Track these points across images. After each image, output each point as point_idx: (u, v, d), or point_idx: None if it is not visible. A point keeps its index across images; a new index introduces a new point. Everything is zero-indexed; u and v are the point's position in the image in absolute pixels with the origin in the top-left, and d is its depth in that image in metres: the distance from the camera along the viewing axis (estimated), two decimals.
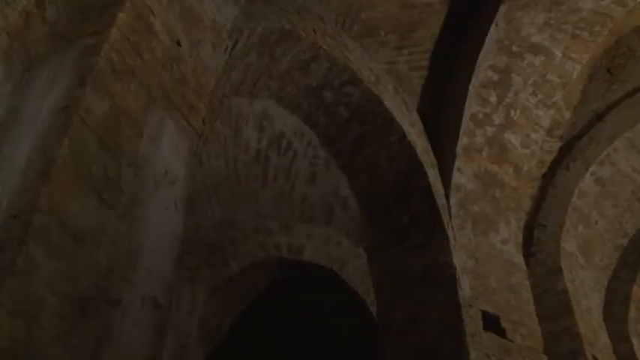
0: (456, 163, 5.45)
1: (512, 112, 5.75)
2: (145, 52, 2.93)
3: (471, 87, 5.47)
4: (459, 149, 5.46)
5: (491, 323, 5.15)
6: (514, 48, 5.62)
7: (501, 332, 5.20)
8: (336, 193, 5.70)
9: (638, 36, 6.97)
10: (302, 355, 8.34)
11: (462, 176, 5.50)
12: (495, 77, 5.60)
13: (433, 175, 5.29)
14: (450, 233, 5.15)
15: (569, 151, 7.04)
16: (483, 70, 5.53)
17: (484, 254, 5.44)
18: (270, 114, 5.37)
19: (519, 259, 5.88)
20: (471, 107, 5.51)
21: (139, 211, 2.69)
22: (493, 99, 5.63)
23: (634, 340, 8.04)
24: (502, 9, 5.41)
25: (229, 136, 5.45)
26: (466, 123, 5.49)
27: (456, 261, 5.04)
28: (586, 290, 7.27)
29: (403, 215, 5.30)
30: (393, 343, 5.17)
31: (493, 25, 5.45)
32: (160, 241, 2.81)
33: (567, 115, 6.84)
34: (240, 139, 5.48)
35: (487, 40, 5.49)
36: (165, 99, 3.03)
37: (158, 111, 2.96)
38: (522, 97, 5.76)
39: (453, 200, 5.35)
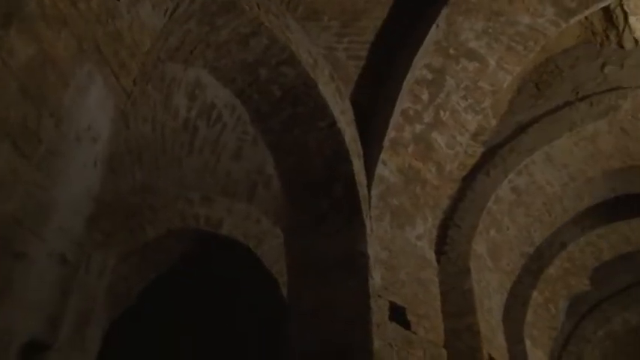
0: (382, 156, 5.55)
1: (441, 112, 5.90)
2: (81, 1, 2.82)
3: (405, 83, 5.57)
4: (386, 142, 5.56)
5: (398, 315, 5.30)
6: (451, 51, 5.75)
7: (406, 324, 5.37)
8: (261, 170, 5.69)
9: (567, 57, 7.31)
10: (216, 328, 8.32)
11: (386, 169, 5.61)
12: (430, 76, 5.72)
13: (358, 165, 5.37)
14: (367, 223, 5.25)
15: (491, 157, 7.30)
16: (419, 69, 5.64)
17: (398, 247, 5.59)
18: (203, 84, 5.29)
19: (431, 255, 6.07)
20: (403, 103, 5.61)
21: (57, 164, 2.60)
22: (425, 97, 5.76)
23: (527, 342, 8.49)
24: (444, 11, 5.53)
25: (159, 101, 5.33)
26: (396, 117, 5.59)
27: (370, 251, 5.15)
28: (490, 292, 7.59)
29: (324, 200, 5.35)
30: (301, 325, 5.23)
31: (434, 26, 5.56)
32: (76, 197, 2.73)
33: (493, 122, 7.10)
34: (171, 105, 5.37)
35: (426, 39, 5.59)
36: (97, 53, 2.93)
37: (88, 64, 2.86)
38: (453, 100, 5.92)
39: (374, 191, 5.45)
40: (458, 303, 6.81)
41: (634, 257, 9.66)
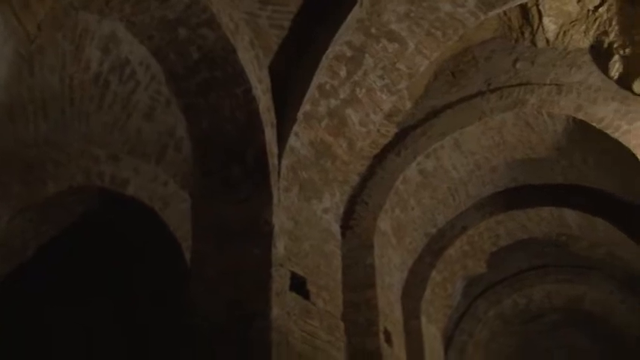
0: (295, 128, 5.57)
1: (357, 90, 5.97)
2: None
3: (324, 57, 5.58)
4: (300, 115, 5.59)
5: (298, 285, 5.40)
6: (373, 30, 5.80)
7: (305, 294, 5.48)
8: (172, 132, 5.59)
9: (483, 49, 7.55)
10: (116, 289, 8.16)
11: (298, 141, 5.65)
12: (349, 53, 5.77)
13: (270, 134, 5.37)
14: (275, 193, 5.28)
15: (403, 138, 7.50)
16: (339, 44, 5.66)
17: (304, 219, 5.66)
18: (118, 38, 5.10)
19: (336, 229, 6.19)
20: (320, 77, 5.64)
21: None
22: (343, 73, 5.81)
23: (423, 319, 8.87)
24: None
25: (70, 51, 5.10)
26: (312, 91, 5.61)
27: (275, 220, 5.19)
28: (391, 268, 7.86)
29: (234, 167, 5.34)
30: (202, 291, 5.23)
31: (358, 4, 5.58)
32: None
33: (408, 105, 7.25)
34: (82, 57, 5.14)
35: (349, 16, 5.60)
36: None
37: None
38: (370, 79, 6.00)
39: (284, 162, 5.48)
40: (359, 277, 7.01)
41: (528, 244, 10.23)
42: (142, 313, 7.67)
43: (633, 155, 6.95)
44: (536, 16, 7.04)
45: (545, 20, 7.03)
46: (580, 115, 7.23)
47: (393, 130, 7.29)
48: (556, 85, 7.35)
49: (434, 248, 9.09)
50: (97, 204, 6.66)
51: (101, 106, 5.51)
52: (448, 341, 11.15)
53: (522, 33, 7.30)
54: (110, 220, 7.16)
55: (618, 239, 9.05)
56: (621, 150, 7.10)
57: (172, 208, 6.37)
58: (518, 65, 7.55)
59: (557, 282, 11.51)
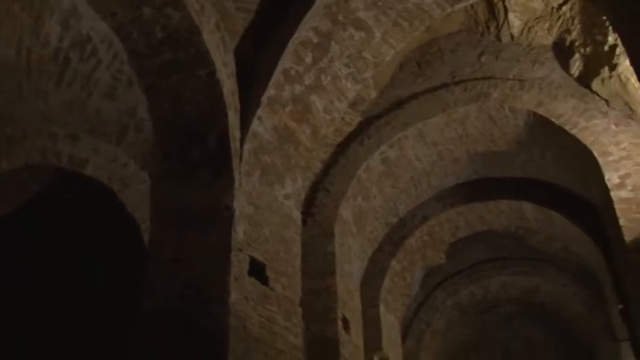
0: (259, 112, 5.53)
1: (323, 76, 5.96)
2: None
3: (290, 42, 5.56)
4: (264, 99, 5.55)
5: (257, 270, 5.38)
6: (340, 17, 5.78)
7: (264, 280, 5.46)
8: (134, 113, 5.50)
9: (449, 41, 7.61)
10: (72, 270, 8.02)
11: (261, 126, 5.61)
12: (315, 39, 5.74)
13: (233, 118, 5.32)
14: (236, 177, 5.24)
15: (367, 127, 7.54)
16: (306, 30, 5.64)
17: (265, 204, 5.64)
18: (80, 13, 4.98)
19: (297, 215, 6.18)
20: (286, 62, 5.61)
21: None
22: (308, 60, 5.79)
23: (382, 307, 8.96)
24: None
25: (28, 25, 4.96)
26: (277, 76, 5.58)
27: (236, 205, 5.15)
28: (351, 256, 7.91)
29: (195, 150, 5.27)
30: (160, 274, 5.17)
31: None
32: None
33: (373, 94, 7.29)
34: (40, 31, 5.01)
35: (317, 2, 5.57)
36: None
37: None
38: (335, 66, 6.00)
39: (246, 146, 5.44)
40: (318, 264, 7.05)
41: (487, 236, 10.41)
42: (98, 295, 7.57)
43: (590, 152, 7.10)
44: (502, 11, 7.12)
45: (511, 16, 7.12)
46: (541, 111, 7.36)
47: (357, 118, 7.32)
48: (519, 80, 7.47)
49: (394, 238, 9.18)
50: (53, 183, 6.52)
51: (60, 84, 5.38)
52: (406, 330, 11.30)
53: (488, 27, 7.38)
54: (67, 200, 7.03)
55: (574, 234, 9.26)
56: (578, 146, 7.26)
57: (132, 190, 6.28)
58: (482, 59, 7.64)
59: (514, 274, 11.75)
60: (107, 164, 6.03)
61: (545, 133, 7.62)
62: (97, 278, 7.80)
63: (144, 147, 5.56)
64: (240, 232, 5.19)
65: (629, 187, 6.81)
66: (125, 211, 6.23)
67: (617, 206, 6.76)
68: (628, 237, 6.57)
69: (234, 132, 5.32)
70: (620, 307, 7.82)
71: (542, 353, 15.24)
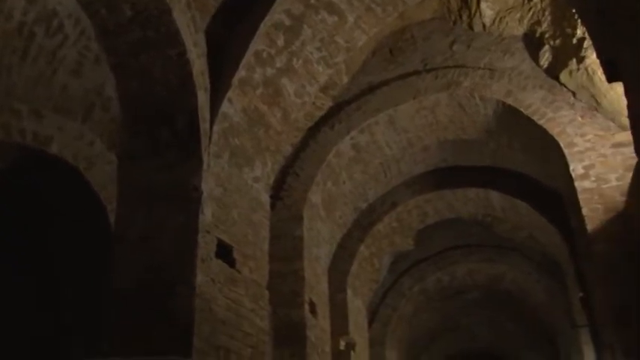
0: (229, 94, 5.49)
1: (294, 60, 5.93)
2: None
3: (262, 24, 5.52)
4: (235, 81, 5.51)
5: (224, 253, 5.37)
6: (312, 0, 5.75)
7: (231, 262, 5.46)
8: (101, 91, 5.41)
9: (422, 28, 7.64)
10: (35, 250, 7.89)
11: (231, 107, 5.57)
12: (288, 22, 5.71)
13: (203, 99, 5.27)
14: (205, 159, 5.20)
15: (337, 112, 7.54)
16: (278, 12, 5.60)
17: (233, 186, 5.62)
18: None
19: (266, 198, 6.17)
20: (257, 44, 5.57)
21: None
22: (280, 42, 5.75)
23: (349, 292, 9.02)
24: None
25: None
26: (248, 57, 5.54)
27: (204, 186, 5.13)
28: (320, 241, 7.93)
29: (164, 131, 5.21)
30: (126, 255, 5.13)
31: None
32: None
33: (345, 79, 7.29)
34: (4, 5, 4.88)
35: None
36: None
37: None
38: (307, 49, 5.98)
39: (216, 128, 5.40)
40: (287, 248, 7.06)
41: (454, 224, 10.53)
42: (63, 274, 7.47)
43: (556, 142, 7.22)
44: (475, 1, 7.17)
45: (483, 5, 7.17)
46: (510, 101, 7.44)
47: (328, 103, 7.32)
48: (489, 69, 7.54)
49: (363, 223, 9.24)
50: (17, 161, 6.39)
51: (25, 59, 5.26)
52: (373, 315, 11.41)
53: (460, 16, 7.43)
54: (32, 178, 6.89)
55: (539, 223, 9.41)
56: (545, 137, 7.36)
57: (98, 169, 6.18)
58: (454, 47, 7.69)
59: (480, 261, 11.91)
60: (73, 142, 5.92)
61: (514, 122, 7.72)
62: (62, 258, 7.69)
63: (111, 126, 5.47)
64: (207, 213, 5.17)
65: (593, 178, 6.93)
66: (91, 191, 6.14)
67: (580, 196, 6.89)
68: (590, 226, 6.70)
69: (204, 113, 5.28)
70: (581, 295, 8.00)
71: (506, 339, 15.57)
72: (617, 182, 6.81)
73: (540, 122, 7.31)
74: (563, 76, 7.16)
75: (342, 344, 8.70)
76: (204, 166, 5.18)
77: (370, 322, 11.13)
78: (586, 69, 6.96)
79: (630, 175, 6.55)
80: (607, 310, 6.45)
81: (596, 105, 7.13)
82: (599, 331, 7.25)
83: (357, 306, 9.64)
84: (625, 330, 6.09)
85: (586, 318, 7.99)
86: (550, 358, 13.40)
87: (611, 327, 6.34)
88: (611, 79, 4.59)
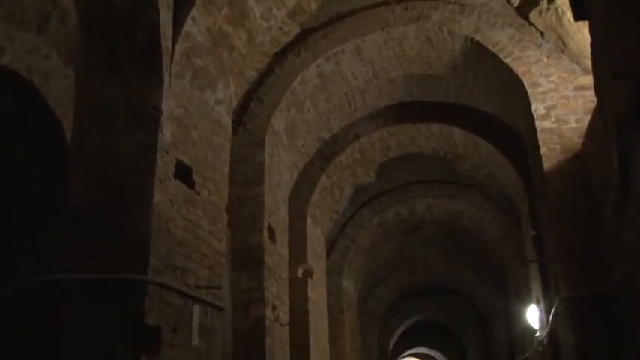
0: (192, 12, 5.33)
1: None
2: None
3: None
4: None
5: (183, 174, 5.34)
6: None
7: (190, 184, 5.44)
8: (56, 2, 5.16)
9: None
10: None
11: (195, 27, 5.43)
12: None
13: (166, 17, 5.09)
14: (166, 78, 5.09)
15: (304, 39, 7.41)
16: None
17: (194, 107, 5.54)
18: None
19: (227, 122, 6.12)
20: None
21: None
22: None
23: (309, 221, 9.13)
24: None
25: None
26: None
27: (164, 106, 5.03)
28: (281, 168, 7.95)
29: (124, 47, 5.04)
30: (82, 172, 5.05)
31: None
32: None
33: (313, 6, 7.13)
34: None
35: None
36: None
37: None
38: None
39: (178, 47, 5.27)
40: (247, 173, 7.07)
41: (416, 159, 10.64)
42: (15, 190, 7.32)
43: (520, 82, 7.27)
44: None
45: None
46: (478, 37, 7.41)
47: (295, 29, 7.17)
48: (460, 4, 7.46)
49: (326, 153, 9.26)
50: None
51: None
52: (331, 245, 11.61)
53: None
54: None
55: (498, 162, 9.57)
56: (511, 75, 7.40)
57: (54, 84, 5.98)
58: None
59: (439, 197, 12.12)
60: (26, 55, 5.69)
61: (480, 60, 7.72)
62: (13, 173, 7.50)
63: (68, 40, 5.27)
64: (167, 133, 5.11)
65: (553, 119, 7.04)
66: (46, 106, 5.96)
67: (539, 136, 7.00)
68: (546, 165, 6.85)
69: (166, 31, 5.12)
70: (533, 233, 8.25)
71: (460, 273, 16.09)
72: (576, 124, 6.93)
73: (506, 60, 7.33)
74: (533, 16, 7.14)
75: (300, 271, 8.88)
76: (165, 86, 5.07)
77: (328, 252, 11.34)
78: (556, 9, 6.94)
79: (589, 117, 6.67)
80: (555, 246, 6.69)
81: (562, 47, 7.15)
82: (547, 266, 7.52)
83: (316, 235, 9.79)
84: (570, 265, 6.35)
85: (536, 254, 8.28)
86: (500, 291, 13.92)
87: (558, 262, 6.59)
88: (578, 17, 4.62)
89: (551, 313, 7.03)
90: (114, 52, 5.09)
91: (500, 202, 11.63)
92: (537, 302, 8.29)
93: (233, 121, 6.47)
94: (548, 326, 7.32)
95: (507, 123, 8.82)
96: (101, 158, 5.00)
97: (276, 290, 7.32)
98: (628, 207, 3.71)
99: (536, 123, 7.06)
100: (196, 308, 5.21)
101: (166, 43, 5.13)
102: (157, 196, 4.92)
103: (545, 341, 7.65)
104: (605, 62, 3.80)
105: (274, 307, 7.17)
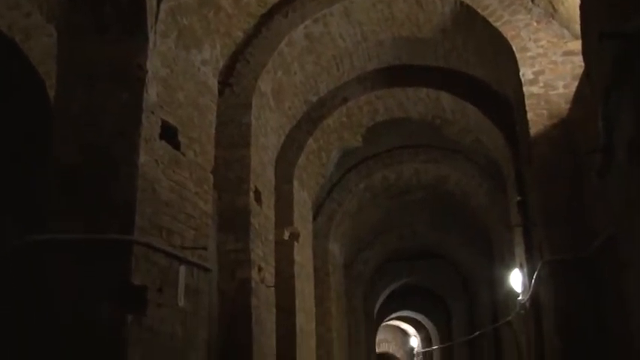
0: None
1: None
2: None
3: None
4: None
5: (169, 135, 5.31)
6: None
7: (176, 144, 5.41)
8: None
9: None
10: None
11: None
12: None
13: None
14: (151, 37, 5.01)
15: (292, 0, 7.29)
16: None
17: (180, 68, 5.47)
18: None
19: (213, 83, 6.06)
20: None
21: None
22: None
23: (295, 183, 9.13)
24: None
25: None
26: None
27: (149, 66, 4.97)
28: (268, 130, 7.91)
29: (108, 5, 4.94)
30: (66, 133, 5.00)
31: None
32: None
33: None
34: None
35: None
36: None
37: None
38: None
39: (163, 6, 5.16)
40: (234, 135, 7.02)
41: (404, 123, 10.61)
42: None
43: (509, 46, 7.23)
44: None
45: None
46: (467, 0, 7.33)
47: None
48: None
49: (313, 116, 9.21)
50: None
51: None
52: (318, 208, 11.64)
53: None
54: None
55: (486, 127, 9.57)
56: (499, 40, 7.36)
57: (36, 42, 5.85)
58: None
59: (426, 162, 12.13)
60: (7, 12, 5.54)
61: (470, 23, 7.65)
62: None
63: None
64: (152, 94, 5.05)
65: (541, 84, 7.04)
66: (28, 64, 5.85)
67: (527, 101, 7.01)
68: (533, 130, 6.87)
69: None
70: (519, 198, 8.31)
71: (446, 238, 16.23)
72: (563, 90, 6.94)
73: (496, 24, 7.28)
74: None
75: (286, 234, 8.91)
76: (150, 45, 5.00)
77: (315, 216, 11.38)
78: None
79: (577, 83, 6.66)
80: (539, 211, 6.75)
81: (552, 11, 7.11)
82: (531, 231, 7.61)
83: (302, 198, 9.80)
84: (553, 229, 6.42)
85: (521, 220, 8.35)
86: (485, 256, 14.08)
87: (542, 226, 6.66)
88: None
89: (534, 277, 7.14)
90: (98, 10, 5.00)
91: (486, 168, 11.67)
92: (521, 267, 8.40)
93: (219, 83, 6.39)
94: (531, 290, 7.44)
95: (496, 88, 8.80)
96: (86, 118, 4.95)
97: (262, 252, 7.36)
98: (612, 170, 3.73)
99: (524, 88, 7.06)
100: (182, 269, 5.23)
101: (151, 1, 5.04)
102: (143, 157, 4.90)
103: (527, 305, 7.78)
104: (594, 25, 3.78)
105: (260, 269, 7.21)
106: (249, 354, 6.67)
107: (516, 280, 8.57)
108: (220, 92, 6.55)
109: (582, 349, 6.00)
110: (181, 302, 5.20)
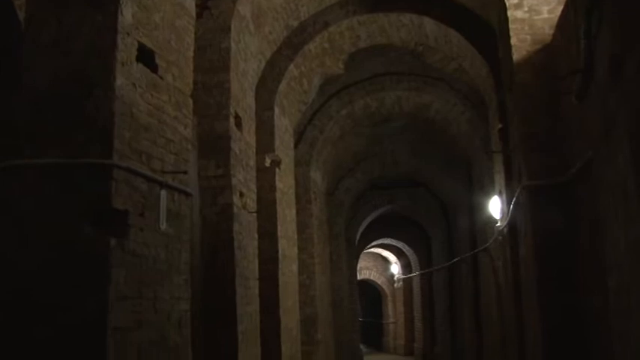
0: None
1: None
2: None
3: None
4: None
5: (146, 57, 5.17)
6: None
7: (154, 68, 5.28)
8: None
9: None
10: None
11: None
12: None
13: None
14: None
15: None
16: None
17: None
18: None
19: (191, 5, 5.87)
20: None
21: None
22: None
23: (276, 110, 9.06)
24: None
25: None
26: None
27: None
28: (248, 55, 7.76)
29: None
30: (39, 56, 4.84)
31: None
32: None
33: None
34: None
35: None
36: None
37: None
38: None
39: None
40: (213, 59, 6.88)
41: (386, 50, 10.49)
42: None
43: None
44: None
45: None
46: None
47: None
48: None
49: (294, 41, 9.03)
50: None
51: None
52: (300, 135, 11.62)
53: None
54: None
55: (469, 54, 9.49)
56: None
57: None
58: None
59: (408, 89, 12.08)
60: None
61: None
62: None
63: None
64: (127, 15, 4.88)
65: (526, 9, 6.93)
66: None
67: (511, 26, 6.92)
68: (516, 56, 6.82)
69: None
70: (500, 126, 8.34)
71: (427, 165, 16.35)
72: (548, 15, 6.85)
73: None
74: None
75: (268, 161, 8.91)
76: None
77: (297, 143, 11.37)
78: None
79: (561, 8, 6.57)
80: (519, 136, 6.79)
81: None
82: (511, 157, 7.67)
83: (284, 125, 9.75)
84: (532, 154, 6.49)
85: (501, 147, 8.42)
86: (465, 184, 14.25)
87: (521, 152, 6.72)
88: None
89: (512, 203, 7.25)
90: None
91: (469, 95, 11.66)
92: (500, 194, 8.53)
93: (197, 5, 6.19)
94: (509, 216, 7.57)
95: (480, 14, 8.66)
96: (59, 41, 4.78)
97: (243, 178, 7.36)
98: (591, 93, 3.74)
99: (509, 12, 6.95)
100: (163, 193, 5.23)
101: None
102: (119, 80, 4.78)
103: (505, 231, 7.94)
104: None
105: (242, 195, 7.24)
106: (232, 278, 6.78)
107: (495, 206, 8.72)
108: (198, 15, 6.37)
109: (557, 274, 6.16)
110: (163, 226, 5.22)
